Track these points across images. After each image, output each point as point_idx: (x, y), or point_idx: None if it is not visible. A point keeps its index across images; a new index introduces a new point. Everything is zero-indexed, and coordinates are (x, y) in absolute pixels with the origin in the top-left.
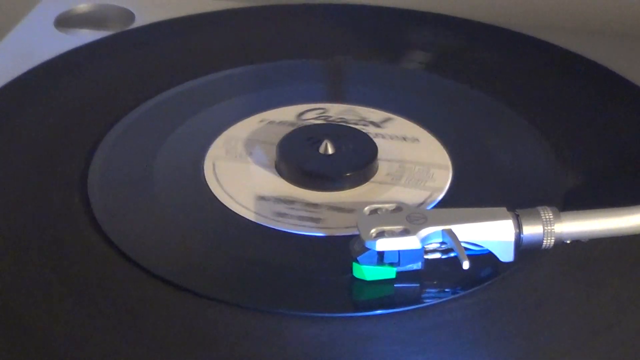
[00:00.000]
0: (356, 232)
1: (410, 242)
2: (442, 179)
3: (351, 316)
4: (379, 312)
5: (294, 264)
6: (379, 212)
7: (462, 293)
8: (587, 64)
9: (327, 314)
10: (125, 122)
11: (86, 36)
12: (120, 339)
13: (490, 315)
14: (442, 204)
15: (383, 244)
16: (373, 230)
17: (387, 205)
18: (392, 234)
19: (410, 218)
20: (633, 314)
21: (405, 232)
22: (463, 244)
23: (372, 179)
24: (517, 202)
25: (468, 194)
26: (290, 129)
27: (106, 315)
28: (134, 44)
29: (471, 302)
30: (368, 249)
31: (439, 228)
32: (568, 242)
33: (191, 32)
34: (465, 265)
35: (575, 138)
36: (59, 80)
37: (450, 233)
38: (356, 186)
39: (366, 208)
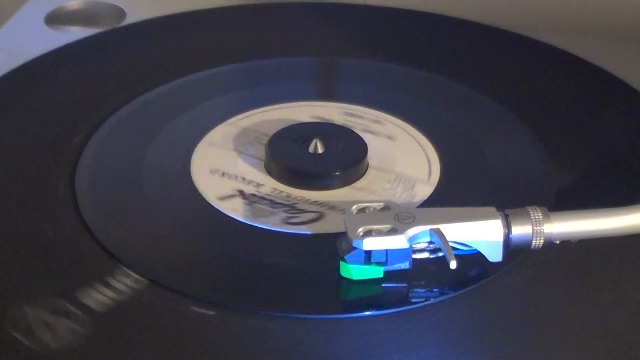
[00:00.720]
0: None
1: (397, 242)
2: (432, 178)
3: (338, 317)
4: (366, 312)
5: (282, 264)
6: (366, 211)
7: (450, 293)
8: (580, 63)
9: (313, 315)
10: (114, 120)
11: (77, 33)
12: (107, 340)
13: (478, 316)
14: (431, 203)
15: (370, 243)
16: (360, 229)
17: (375, 204)
18: (380, 233)
19: (398, 217)
20: (622, 314)
21: (392, 231)
22: (451, 244)
23: (362, 178)
24: (508, 201)
25: (458, 193)
26: (280, 127)
27: (94, 316)
28: (124, 41)
29: (459, 303)
30: (355, 248)
31: (427, 227)
32: (557, 242)
33: (182, 30)
34: (453, 265)
35: (567, 138)
36: (48, 77)
37: (438, 232)
38: (346, 185)
39: (354, 207)
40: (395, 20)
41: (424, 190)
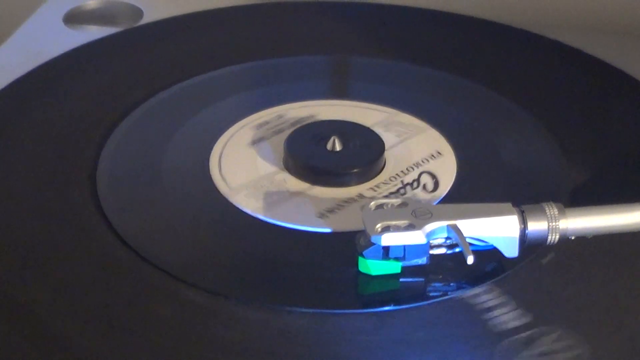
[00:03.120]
0: (362, 228)
1: (415, 237)
2: (448, 175)
3: (357, 312)
4: (384, 308)
5: (301, 260)
6: (384, 207)
7: (468, 288)
8: (593, 62)
9: (331, 310)
10: (133, 118)
11: (95, 33)
12: (126, 333)
13: (495, 311)
14: (447, 199)
15: (388, 239)
16: (378, 225)
17: (392, 201)
18: (398, 228)
19: (415, 213)
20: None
21: (410, 227)
22: (468, 239)
23: (379, 175)
24: (524, 198)
25: (474, 190)
26: (298, 125)
27: (113, 309)
28: (142, 41)
29: (477, 298)
30: (373, 244)
31: (444, 223)
32: (572, 238)
33: (200, 29)
34: (470, 260)
35: (581, 134)
36: (67, 76)
37: (455, 228)
38: (363, 182)
39: (372, 203)
40: (411, 20)
41: (441, 187)
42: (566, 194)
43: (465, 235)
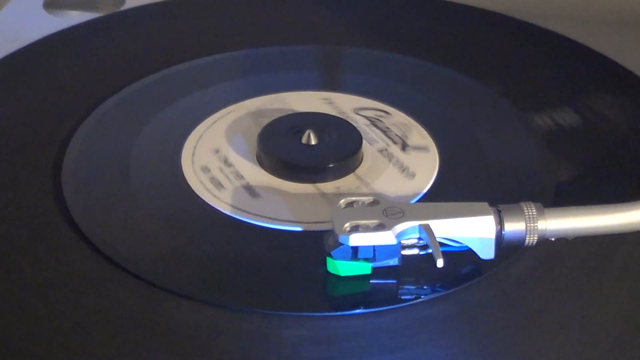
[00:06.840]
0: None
1: (385, 238)
2: (429, 171)
3: (322, 315)
4: (351, 311)
5: (268, 260)
6: (354, 205)
7: (441, 291)
8: (583, 51)
9: (296, 312)
10: (110, 105)
11: (76, 18)
12: (94, 338)
13: (469, 314)
14: (428, 196)
15: (356, 239)
16: (347, 225)
17: (363, 198)
18: (367, 228)
19: (386, 212)
20: (618, 312)
21: (380, 227)
22: (442, 240)
23: (356, 170)
24: (508, 195)
25: (455, 187)
26: (274, 117)
27: (80, 313)
28: (124, 26)
29: (451, 301)
30: (342, 244)
31: (416, 223)
32: (553, 239)
33: (182, 15)
34: (440, 263)
35: (568, 131)
36: (45, 62)
37: (426, 228)
38: (340, 177)
39: (342, 201)
40: (396, 8)
41: (421, 184)
42: (552, 192)
43: (438, 235)
